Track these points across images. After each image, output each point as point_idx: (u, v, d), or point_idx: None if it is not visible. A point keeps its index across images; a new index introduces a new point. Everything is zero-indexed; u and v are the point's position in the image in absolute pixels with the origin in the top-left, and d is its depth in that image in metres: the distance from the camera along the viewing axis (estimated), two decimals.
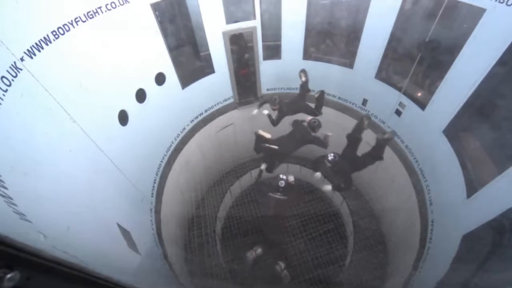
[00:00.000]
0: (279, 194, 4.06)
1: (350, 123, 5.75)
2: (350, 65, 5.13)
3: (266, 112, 4.72)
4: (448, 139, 3.77)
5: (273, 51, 5.51)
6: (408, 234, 4.67)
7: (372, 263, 5.50)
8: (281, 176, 4.12)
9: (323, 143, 4.45)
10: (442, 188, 3.98)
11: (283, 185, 3.99)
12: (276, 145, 4.40)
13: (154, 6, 3.79)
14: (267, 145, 4.39)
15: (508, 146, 3.25)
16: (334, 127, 6.20)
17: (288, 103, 4.81)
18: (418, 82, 4.40)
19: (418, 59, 4.06)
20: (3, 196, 1.59)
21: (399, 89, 4.54)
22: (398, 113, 4.69)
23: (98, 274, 1.18)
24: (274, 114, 4.71)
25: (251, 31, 5.01)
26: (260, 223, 4.66)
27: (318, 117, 4.59)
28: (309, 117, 4.48)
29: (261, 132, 4.44)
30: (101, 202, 2.84)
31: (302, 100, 4.93)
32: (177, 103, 4.83)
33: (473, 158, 3.54)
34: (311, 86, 5.92)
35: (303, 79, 4.74)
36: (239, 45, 5.59)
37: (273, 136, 4.57)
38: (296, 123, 4.51)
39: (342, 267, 5.63)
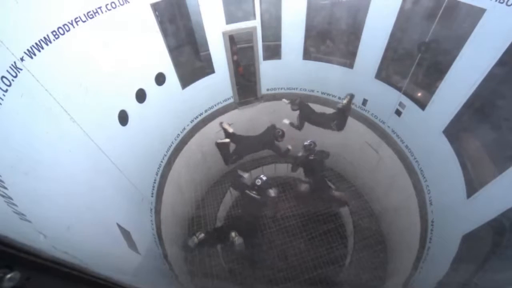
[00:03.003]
0: (254, 192, 4.07)
1: (350, 123, 5.76)
2: (350, 65, 5.13)
3: (287, 122, 5.05)
4: (448, 139, 3.77)
5: (273, 51, 5.51)
6: (408, 234, 4.67)
7: (372, 263, 5.50)
8: (261, 176, 4.17)
9: (281, 152, 4.81)
10: (442, 188, 3.98)
11: (259, 183, 4.00)
12: (241, 141, 4.75)
13: (154, 6, 3.79)
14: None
15: (508, 146, 3.25)
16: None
17: (311, 111, 5.11)
18: (418, 82, 4.40)
19: (418, 59, 4.05)
20: (3, 196, 1.59)
21: (399, 89, 4.54)
22: (398, 113, 4.69)
23: (98, 274, 1.18)
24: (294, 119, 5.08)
25: (251, 31, 5.01)
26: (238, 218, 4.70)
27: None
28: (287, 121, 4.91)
29: (225, 125, 4.73)
30: (101, 202, 2.84)
31: (327, 119, 5.07)
32: (177, 103, 4.83)
33: (473, 158, 3.54)
34: (311, 86, 5.94)
35: (345, 101, 4.88)
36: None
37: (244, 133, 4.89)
38: (268, 129, 4.84)
39: (342, 267, 5.64)
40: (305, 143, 4.55)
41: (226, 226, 4.51)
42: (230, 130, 4.78)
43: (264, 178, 4.16)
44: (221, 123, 4.89)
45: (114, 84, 3.34)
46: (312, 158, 4.62)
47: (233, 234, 3.97)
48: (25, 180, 1.87)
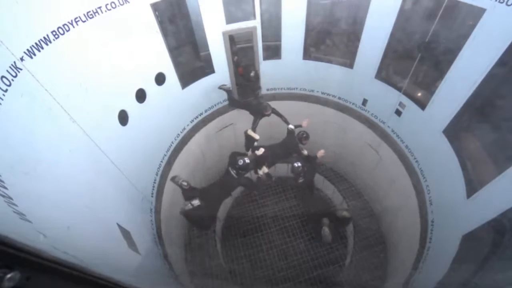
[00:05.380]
0: (234, 171, 4.30)
1: (350, 123, 5.78)
2: (350, 65, 5.13)
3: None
4: (448, 139, 3.77)
5: (273, 51, 5.51)
6: (408, 234, 4.67)
7: (372, 263, 5.50)
8: (245, 158, 4.35)
9: (304, 156, 4.97)
10: (442, 188, 3.98)
11: (240, 163, 4.23)
12: (268, 151, 4.85)
13: (154, 6, 3.79)
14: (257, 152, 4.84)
15: (508, 146, 3.25)
16: (334, 127, 6.22)
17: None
18: (418, 82, 4.40)
19: (418, 59, 4.05)
20: (3, 196, 1.59)
21: (399, 89, 4.54)
22: (398, 113, 4.69)
23: (98, 274, 1.18)
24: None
25: (251, 31, 5.01)
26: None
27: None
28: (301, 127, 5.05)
29: (250, 132, 4.83)
30: (101, 202, 2.84)
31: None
32: (177, 103, 4.83)
33: (473, 158, 3.54)
34: (311, 86, 5.95)
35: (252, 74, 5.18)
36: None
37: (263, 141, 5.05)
38: (289, 132, 5.02)
39: (342, 267, 5.64)
40: (296, 165, 4.54)
41: (199, 190, 4.70)
42: (257, 137, 4.93)
43: (247, 161, 4.29)
44: (246, 132, 5.06)
45: (114, 84, 3.34)
46: (301, 181, 4.70)
47: (194, 201, 4.28)
48: (25, 180, 1.87)
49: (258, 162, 4.84)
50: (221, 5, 4.46)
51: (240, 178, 4.39)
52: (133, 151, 3.76)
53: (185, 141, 5.30)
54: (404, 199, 4.88)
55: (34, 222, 1.70)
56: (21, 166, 1.87)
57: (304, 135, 4.88)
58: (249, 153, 4.97)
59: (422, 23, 3.96)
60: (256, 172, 4.98)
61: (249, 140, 5.04)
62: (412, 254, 4.22)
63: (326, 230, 4.52)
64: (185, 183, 4.36)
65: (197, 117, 5.52)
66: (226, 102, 5.87)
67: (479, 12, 2.97)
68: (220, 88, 5.28)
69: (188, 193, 4.42)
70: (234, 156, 4.49)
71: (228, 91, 5.40)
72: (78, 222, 2.29)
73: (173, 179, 4.58)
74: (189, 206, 4.30)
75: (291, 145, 5.01)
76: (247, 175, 4.61)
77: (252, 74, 5.25)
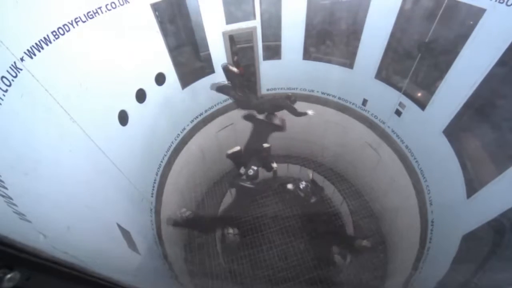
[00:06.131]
0: (248, 183, 4.40)
1: (350, 123, 5.78)
2: (350, 65, 5.13)
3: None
4: (448, 139, 3.77)
5: (273, 51, 5.51)
6: (408, 234, 4.67)
7: (372, 263, 5.50)
8: (252, 166, 4.44)
9: (280, 127, 5.06)
10: (442, 188, 3.98)
11: (251, 173, 4.34)
12: (268, 148, 4.88)
13: (154, 6, 3.79)
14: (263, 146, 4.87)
15: (508, 146, 3.25)
16: (334, 127, 6.22)
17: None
18: (418, 82, 4.40)
19: (418, 59, 4.05)
20: (3, 196, 1.59)
21: (399, 89, 4.54)
22: (398, 113, 4.69)
23: (98, 274, 1.18)
24: None
25: (251, 31, 5.01)
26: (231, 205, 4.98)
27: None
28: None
29: (231, 151, 4.93)
30: (101, 202, 2.84)
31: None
32: (177, 103, 4.83)
33: (473, 158, 3.54)
34: (311, 86, 5.95)
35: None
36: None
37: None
38: (253, 120, 5.17)
39: (342, 267, 5.64)
40: (301, 186, 4.53)
41: (212, 220, 4.69)
42: (238, 148, 5.02)
43: (255, 168, 4.38)
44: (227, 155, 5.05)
45: (114, 84, 3.34)
46: (314, 200, 4.66)
47: (230, 230, 4.40)
48: (25, 180, 1.87)
49: (264, 162, 4.84)
50: (221, 5, 4.46)
51: (257, 185, 4.48)
52: (133, 151, 3.76)
53: (185, 141, 5.30)
54: (404, 199, 4.88)
55: (34, 222, 1.70)
56: (21, 166, 1.87)
57: (293, 98, 4.84)
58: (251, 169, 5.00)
59: (422, 23, 3.95)
60: (269, 170, 5.01)
61: (235, 157, 5.05)
62: (412, 254, 4.22)
63: (338, 258, 4.53)
64: (188, 212, 4.40)
65: (197, 117, 5.52)
66: (226, 102, 5.86)
67: (479, 12, 2.97)
68: (217, 89, 5.10)
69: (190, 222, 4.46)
70: (238, 177, 4.54)
71: (226, 88, 5.16)
72: (78, 222, 2.29)
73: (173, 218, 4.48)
74: (183, 214, 4.42)
75: (264, 129, 5.10)
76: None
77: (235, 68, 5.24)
